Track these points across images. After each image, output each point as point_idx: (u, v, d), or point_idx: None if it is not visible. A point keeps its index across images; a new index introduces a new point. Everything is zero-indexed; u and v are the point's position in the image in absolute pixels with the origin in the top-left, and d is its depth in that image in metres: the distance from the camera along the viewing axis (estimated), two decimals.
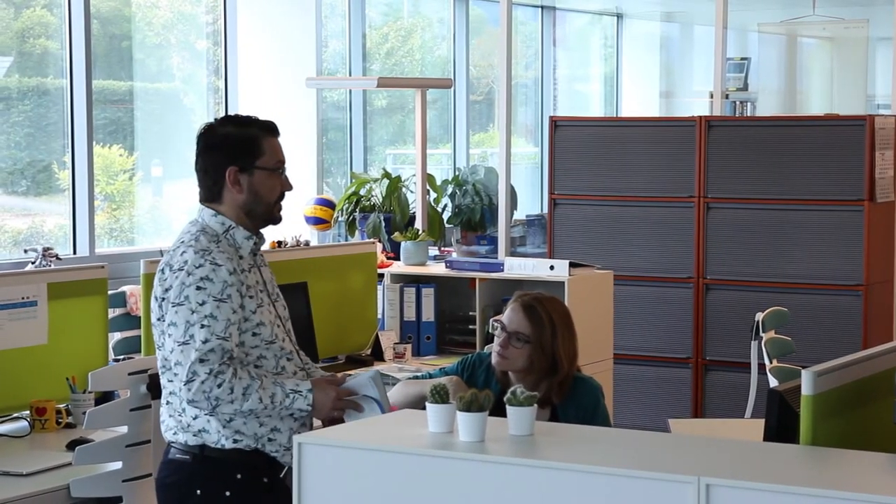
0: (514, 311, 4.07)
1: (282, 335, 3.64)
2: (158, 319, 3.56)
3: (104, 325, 4.79)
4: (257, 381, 3.50)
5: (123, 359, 4.97)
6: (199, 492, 3.55)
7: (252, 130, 3.64)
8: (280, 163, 3.65)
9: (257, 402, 3.48)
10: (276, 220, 3.69)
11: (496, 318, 4.13)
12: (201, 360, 3.44)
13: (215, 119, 3.72)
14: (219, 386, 3.44)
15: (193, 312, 3.47)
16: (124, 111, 7.71)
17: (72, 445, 4.01)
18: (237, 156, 3.61)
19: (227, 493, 3.54)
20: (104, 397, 4.44)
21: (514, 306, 4.08)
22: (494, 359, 4.07)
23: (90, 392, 4.42)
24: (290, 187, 3.70)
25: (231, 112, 8.08)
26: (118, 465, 3.78)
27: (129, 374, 3.78)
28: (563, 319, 4.08)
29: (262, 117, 3.74)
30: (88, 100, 6.99)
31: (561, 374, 4.05)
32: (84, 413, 3.94)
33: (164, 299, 3.53)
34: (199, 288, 3.48)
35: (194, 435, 3.56)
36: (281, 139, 3.72)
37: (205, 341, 3.45)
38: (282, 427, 3.59)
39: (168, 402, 3.59)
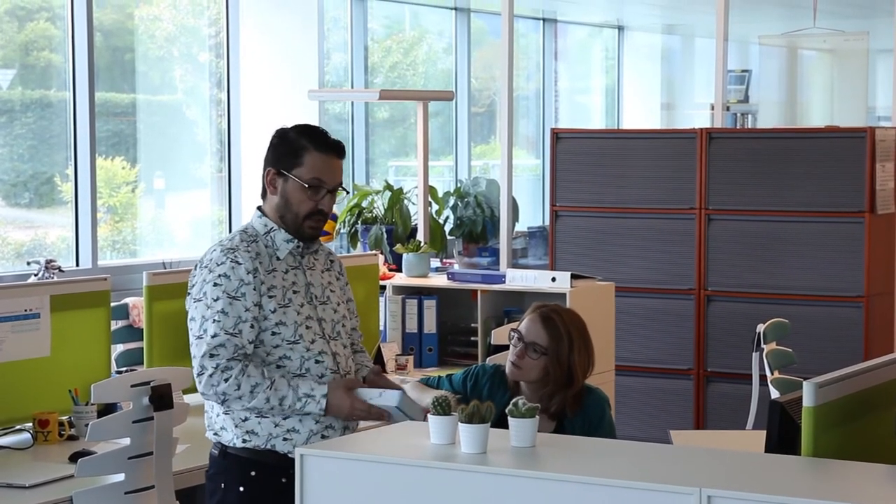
0: (533, 322, 4.07)
1: (312, 336, 3.68)
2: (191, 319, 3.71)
3: (107, 337, 4.80)
4: (267, 381, 3.59)
5: (126, 371, 4.97)
6: (223, 485, 3.70)
7: (303, 140, 3.71)
8: (317, 180, 3.69)
9: (263, 402, 3.58)
10: (305, 235, 3.74)
11: (514, 327, 4.12)
12: (210, 355, 3.57)
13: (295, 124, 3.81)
14: (225, 381, 3.56)
15: (208, 308, 3.61)
16: (127, 123, 7.73)
17: (74, 457, 4.01)
18: (279, 159, 3.72)
19: (241, 489, 3.66)
20: (106, 409, 4.44)
21: (532, 317, 4.08)
22: (509, 368, 4.08)
23: (93, 404, 4.42)
24: (327, 208, 3.73)
25: (233, 124, 8.10)
26: (120, 477, 3.78)
27: (132, 386, 3.78)
28: (580, 332, 4.08)
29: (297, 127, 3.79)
30: (91, 112, 7.01)
31: (576, 386, 4.05)
32: (86, 425, 3.94)
33: (189, 294, 3.70)
34: (215, 284, 3.61)
35: (215, 433, 3.71)
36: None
37: (214, 336, 3.58)
38: (300, 428, 3.65)
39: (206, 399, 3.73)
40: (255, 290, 3.62)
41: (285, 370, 3.65)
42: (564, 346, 4.03)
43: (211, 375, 3.56)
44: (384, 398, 3.65)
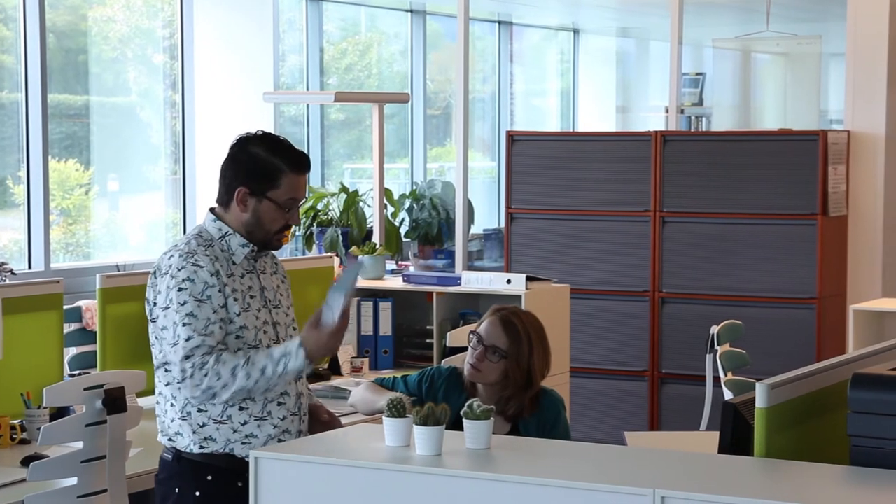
0: (493, 325, 4.08)
1: (268, 341, 3.69)
2: (152, 321, 3.66)
3: (59, 340, 4.76)
4: (242, 359, 3.58)
5: (79, 374, 4.94)
6: (177, 490, 3.66)
7: (278, 161, 3.68)
8: (293, 201, 3.70)
9: (245, 379, 3.57)
10: (274, 247, 3.77)
11: (473, 330, 4.13)
12: (187, 357, 3.56)
13: (256, 132, 3.76)
14: (205, 375, 3.55)
15: (177, 313, 3.58)
16: (80, 125, 7.68)
17: (26, 461, 3.98)
18: (253, 179, 3.68)
19: (197, 494, 3.64)
20: (59, 413, 4.41)
21: (492, 320, 4.09)
22: (468, 370, 4.09)
23: (45, 407, 4.38)
24: (297, 223, 3.77)
25: (188, 126, 8.06)
26: (73, 481, 3.75)
27: (85, 389, 3.76)
28: (539, 335, 4.11)
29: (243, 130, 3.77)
30: (44, 114, 6.96)
31: (535, 388, 4.08)
32: (39, 429, 3.92)
33: (154, 304, 3.65)
34: (180, 289, 3.59)
35: (169, 439, 3.67)
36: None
37: (188, 339, 3.57)
38: (258, 433, 3.65)
39: (158, 403, 3.68)
40: (219, 291, 3.61)
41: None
42: (524, 348, 4.05)
43: (192, 376, 3.55)
44: (339, 285, 3.61)
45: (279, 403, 3.69)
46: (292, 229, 6.88)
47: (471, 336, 4.11)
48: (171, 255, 3.64)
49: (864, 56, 7.25)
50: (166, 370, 3.62)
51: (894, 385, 2.84)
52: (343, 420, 4.44)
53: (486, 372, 4.06)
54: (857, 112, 7.26)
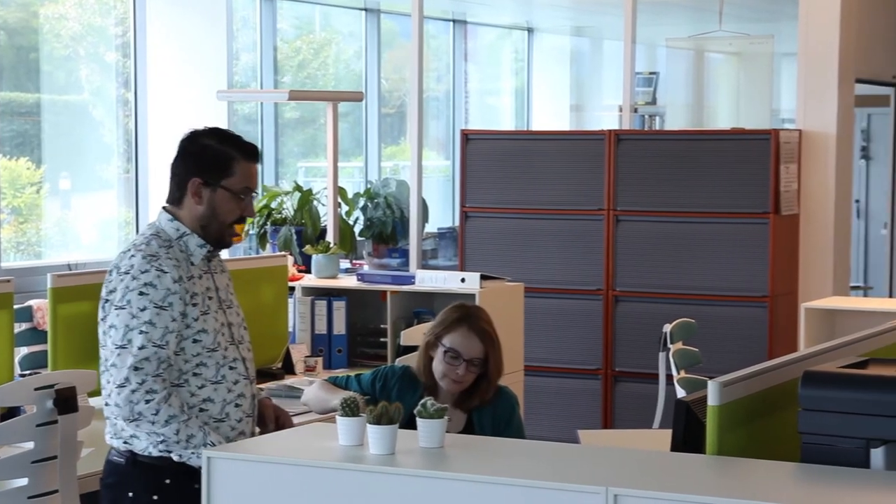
0: (467, 338, 4.10)
1: (225, 343, 3.66)
2: (101, 320, 3.60)
3: (10, 339, 4.72)
4: (184, 416, 3.54)
5: (30, 374, 4.90)
6: (130, 494, 3.60)
7: (230, 150, 3.68)
8: (247, 189, 3.69)
9: (173, 434, 3.53)
10: (227, 243, 3.74)
11: (449, 348, 4.10)
12: (136, 368, 3.50)
13: (203, 128, 3.74)
14: (146, 402, 3.50)
15: (133, 317, 3.52)
16: (32, 123, 7.62)
17: None
18: (206, 169, 3.66)
19: (155, 498, 3.59)
20: (10, 413, 4.37)
21: (464, 332, 4.11)
22: (449, 385, 4.11)
23: None
24: (251, 214, 3.75)
25: (141, 125, 8.02)
26: (24, 481, 3.73)
27: (36, 389, 3.73)
28: (494, 326, 4.17)
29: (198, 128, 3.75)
30: None
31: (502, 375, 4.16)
32: None
33: (107, 301, 3.58)
34: (141, 293, 3.53)
35: (125, 441, 3.60)
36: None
37: (141, 347, 3.51)
38: (214, 440, 3.60)
39: (107, 404, 3.59)
40: (181, 299, 3.55)
41: (202, 377, 3.61)
42: (497, 347, 4.14)
43: (133, 391, 3.49)
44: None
45: (236, 405, 3.68)
46: (245, 227, 6.82)
47: (445, 354, 4.09)
48: (133, 255, 3.58)
49: (816, 56, 7.30)
50: (111, 374, 3.55)
51: (844, 383, 2.86)
52: (296, 419, 4.43)
53: (467, 382, 4.12)
54: (809, 111, 7.31)
